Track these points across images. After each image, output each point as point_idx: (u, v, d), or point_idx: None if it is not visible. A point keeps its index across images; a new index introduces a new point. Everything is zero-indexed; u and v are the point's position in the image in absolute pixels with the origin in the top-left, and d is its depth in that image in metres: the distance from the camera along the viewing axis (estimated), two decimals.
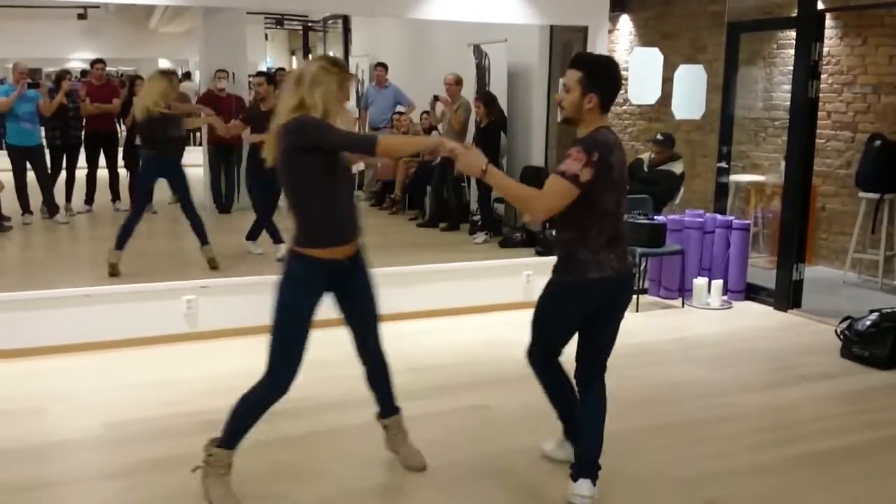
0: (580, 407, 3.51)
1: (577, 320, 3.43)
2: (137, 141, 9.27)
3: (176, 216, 9.39)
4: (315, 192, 3.31)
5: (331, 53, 3.29)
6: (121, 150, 9.54)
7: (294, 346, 3.38)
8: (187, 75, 17.09)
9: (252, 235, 7.19)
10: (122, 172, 9.46)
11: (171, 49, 17.12)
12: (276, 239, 6.88)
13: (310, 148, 3.23)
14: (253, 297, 5.78)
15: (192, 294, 5.60)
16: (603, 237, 3.29)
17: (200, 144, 10.90)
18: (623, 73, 4.08)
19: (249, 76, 9.48)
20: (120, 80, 14.07)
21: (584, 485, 3.38)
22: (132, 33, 15.92)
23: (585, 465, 3.42)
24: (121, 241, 6.25)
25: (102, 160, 9.31)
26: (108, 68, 10.06)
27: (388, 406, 3.77)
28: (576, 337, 3.53)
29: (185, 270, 6.33)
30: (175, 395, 4.60)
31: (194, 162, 10.55)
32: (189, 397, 4.55)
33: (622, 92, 4.55)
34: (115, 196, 9.52)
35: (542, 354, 3.61)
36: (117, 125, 9.73)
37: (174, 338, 5.49)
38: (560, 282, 3.39)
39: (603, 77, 3.30)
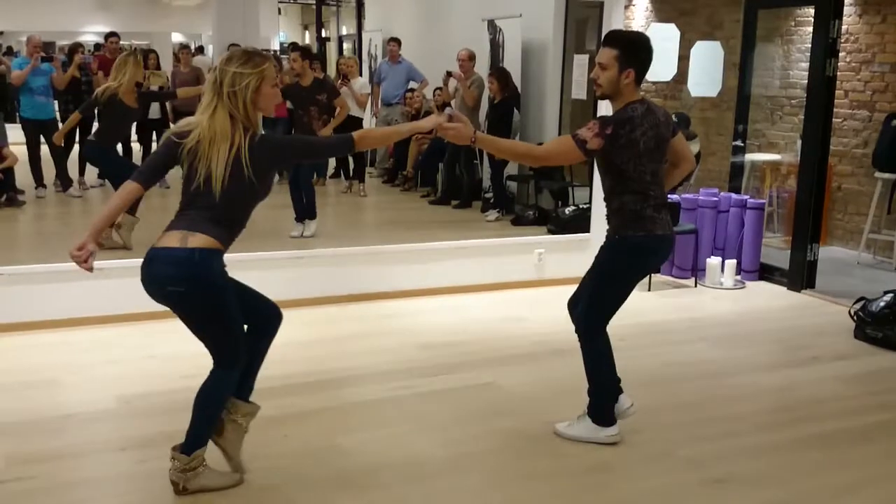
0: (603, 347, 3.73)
1: (640, 278, 3.68)
2: (150, 115, 9.32)
3: None
4: (258, 199, 3.20)
5: (242, 45, 3.02)
6: (134, 124, 9.53)
7: (241, 328, 3.29)
8: (200, 49, 17.05)
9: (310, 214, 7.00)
10: (136, 147, 9.46)
11: (185, 23, 17.09)
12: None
13: (284, 164, 3.22)
14: (265, 272, 5.80)
15: None
16: (657, 200, 3.53)
17: None
18: None
19: (263, 51, 9.46)
20: None
21: (625, 399, 3.77)
22: (146, 7, 15.90)
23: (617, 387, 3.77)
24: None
25: None
26: (121, 42, 10.04)
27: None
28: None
29: None
30: (188, 368, 4.61)
31: None
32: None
33: None
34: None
35: (600, 321, 3.67)
36: None
37: None
38: (634, 237, 3.55)
39: (638, 52, 3.48)
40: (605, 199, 3.64)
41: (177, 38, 17.88)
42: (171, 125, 9.63)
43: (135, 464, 3.56)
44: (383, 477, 3.47)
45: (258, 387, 4.42)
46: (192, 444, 3.27)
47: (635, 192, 3.49)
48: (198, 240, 3.08)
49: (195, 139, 3.03)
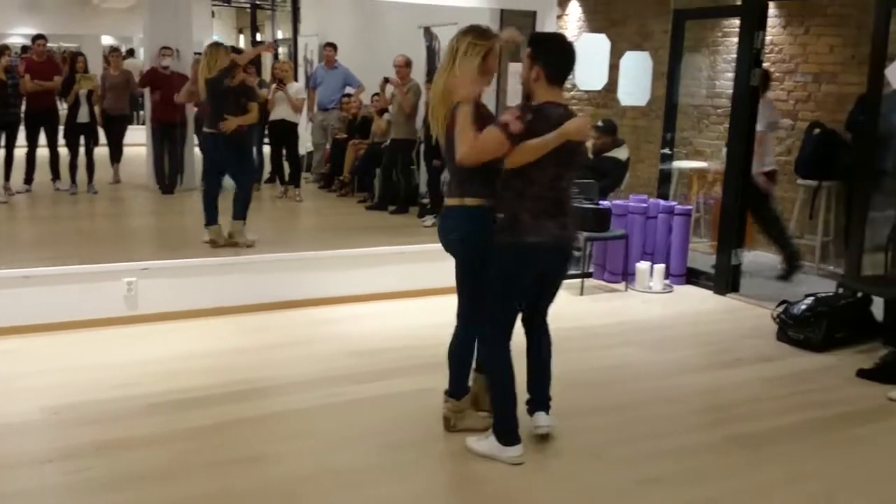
0: (536, 350, 3.79)
1: (520, 283, 3.55)
2: (79, 119, 9.12)
3: (116, 196, 9.25)
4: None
5: (481, 24, 3.62)
6: (61, 128, 9.32)
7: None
8: (131, 52, 16.73)
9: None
10: (63, 151, 9.24)
11: (115, 25, 16.71)
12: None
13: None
14: (194, 279, 5.74)
15: (133, 276, 5.51)
16: (542, 205, 3.44)
17: (143, 123, 10.70)
18: None
19: (195, 53, 9.32)
20: (62, 56, 13.70)
21: (543, 416, 3.80)
22: (75, 8, 15.50)
23: (545, 400, 3.83)
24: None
25: (43, 139, 9.09)
26: (49, 44, 9.79)
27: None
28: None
29: (126, 252, 6.23)
30: (115, 378, 4.54)
31: (137, 141, 10.37)
32: (129, 381, 4.50)
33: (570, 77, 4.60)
34: (55, 175, 9.30)
35: (491, 330, 3.62)
36: (58, 103, 9.49)
37: (114, 321, 5.41)
38: (503, 243, 3.51)
39: (546, 50, 3.47)
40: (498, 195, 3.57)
41: (107, 40, 17.50)
42: (100, 129, 9.56)
43: (61, 475, 3.47)
44: (315, 486, 3.45)
45: (186, 396, 4.39)
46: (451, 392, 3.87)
47: (514, 194, 3.44)
48: (454, 201, 3.58)
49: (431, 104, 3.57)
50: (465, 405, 3.90)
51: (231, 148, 6.61)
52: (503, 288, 3.57)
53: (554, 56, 3.46)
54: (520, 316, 3.75)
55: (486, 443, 3.68)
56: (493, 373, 3.67)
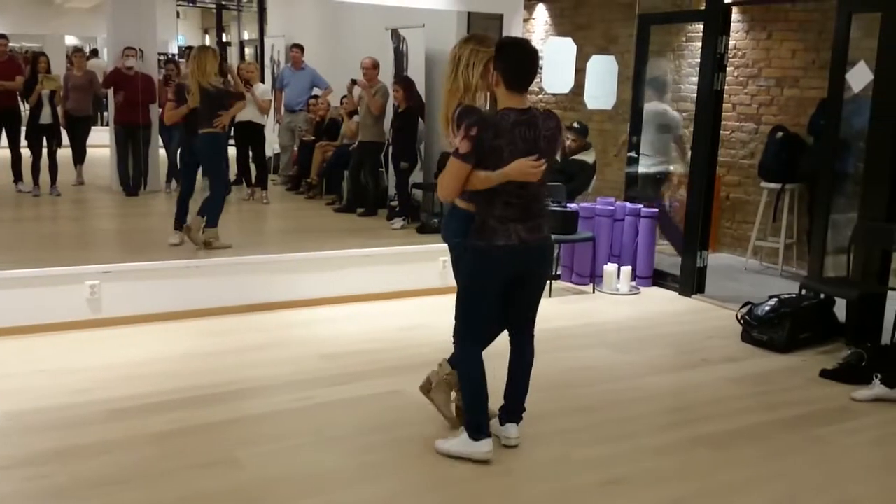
0: (516, 358, 3.79)
1: (489, 286, 3.56)
2: (41, 120, 8.98)
3: (80, 198, 9.12)
4: (481, 166, 3.52)
5: (482, 32, 4.09)
6: (23, 129, 9.18)
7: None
8: (94, 53, 16.52)
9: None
10: (25, 153, 9.10)
11: (79, 25, 16.50)
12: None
13: None
14: (159, 282, 5.68)
15: (96, 279, 5.44)
16: (510, 210, 3.47)
17: (107, 124, 10.57)
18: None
19: (160, 54, 9.23)
20: (24, 56, 13.49)
21: (513, 428, 3.81)
22: (37, 8, 15.28)
23: (517, 411, 3.84)
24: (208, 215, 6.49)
25: (4, 140, 8.94)
26: (11, 44, 9.63)
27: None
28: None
29: (90, 254, 6.15)
30: (77, 383, 4.48)
31: (101, 142, 10.24)
32: (92, 386, 4.44)
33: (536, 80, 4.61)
34: (18, 177, 9.16)
35: (465, 332, 3.65)
36: (20, 104, 9.34)
37: (76, 324, 5.34)
38: (472, 246, 3.55)
39: (505, 54, 3.45)
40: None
41: (70, 40, 17.27)
42: (63, 130, 9.41)
43: (22, 482, 3.41)
44: (283, 490, 3.43)
45: (151, 401, 4.34)
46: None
47: (481, 200, 3.47)
48: (461, 203, 3.60)
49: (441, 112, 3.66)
50: (455, 379, 3.89)
51: (222, 147, 6.64)
52: (473, 290, 3.61)
53: (511, 62, 3.41)
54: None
55: (454, 441, 3.71)
56: (463, 373, 3.70)
